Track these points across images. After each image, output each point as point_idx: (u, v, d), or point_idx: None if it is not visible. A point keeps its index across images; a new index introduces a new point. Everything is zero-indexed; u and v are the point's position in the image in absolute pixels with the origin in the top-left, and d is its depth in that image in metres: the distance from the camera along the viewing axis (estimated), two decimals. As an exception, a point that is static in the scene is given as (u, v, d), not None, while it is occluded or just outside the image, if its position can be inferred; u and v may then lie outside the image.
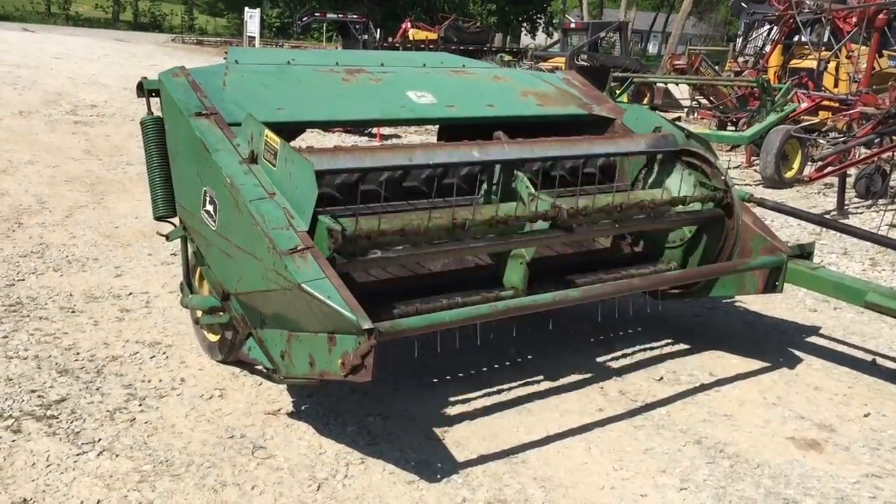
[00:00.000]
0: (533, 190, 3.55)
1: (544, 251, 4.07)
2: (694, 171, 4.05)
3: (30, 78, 14.29)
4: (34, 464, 2.91)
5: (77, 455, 2.98)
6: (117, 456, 3.00)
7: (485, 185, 3.74)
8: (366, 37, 28.23)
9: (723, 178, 3.99)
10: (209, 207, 3.23)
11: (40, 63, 17.13)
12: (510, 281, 3.56)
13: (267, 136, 3.12)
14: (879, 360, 4.32)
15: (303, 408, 3.45)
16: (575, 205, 3.52)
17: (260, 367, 3.52)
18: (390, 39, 28.69)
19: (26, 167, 7.80)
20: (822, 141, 9.58)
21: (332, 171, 3.22)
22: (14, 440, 3.05)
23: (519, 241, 3.50)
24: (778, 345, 4.47)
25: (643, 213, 3.84)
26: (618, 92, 11.44)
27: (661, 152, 4.08)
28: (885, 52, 13.24)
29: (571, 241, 3.88)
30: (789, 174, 9.45)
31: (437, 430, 3.33)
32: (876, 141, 8.79)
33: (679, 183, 4.02)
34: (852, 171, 8.61)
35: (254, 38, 30.06)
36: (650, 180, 4.17)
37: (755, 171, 10.18)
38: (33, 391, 3.44)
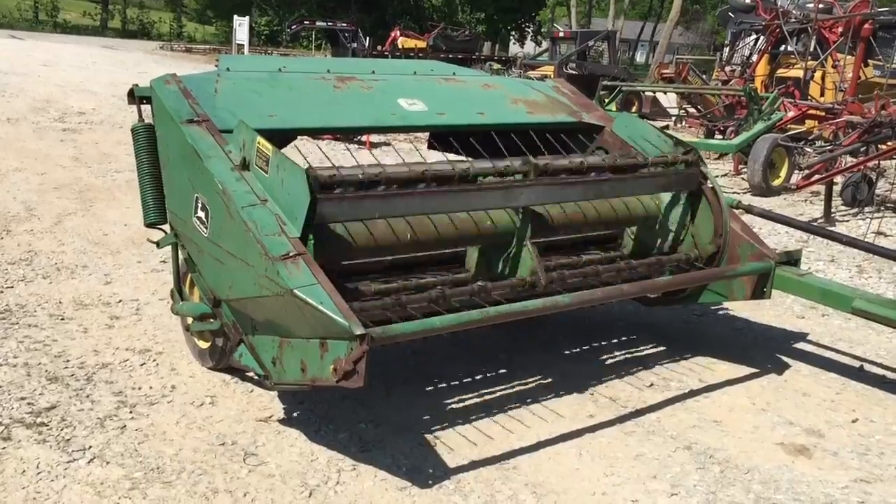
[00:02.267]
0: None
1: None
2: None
3: (17, 85, 14.22)
4: (24, 471, 2.90)
5: (67, 462, 2.97)
6: (108, 463, 2.99)
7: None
8: (355, 45, 28.27)
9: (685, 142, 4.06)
10: (201, 214, 3.23)
11: (28, 70, 17.05)
12: (523, 272, 3.60)
13: (259, 142, 3.13)
14: (867, 367, 4.35)
15: (294, 414, 3.45)
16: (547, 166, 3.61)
17: (251, 374, 3.53)
18: (379, 48, 28.73)
19: (14, 174, 7.77)
20: (808, 149, 9.65)
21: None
22: (4, 448, 3.04)
23: (491, 189, 3.47)
24: (766, 351, 4.50)
25: (607, 167, 3.86)
26: (606, 100, 11.50)
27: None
28: (871, 62, 13.36)
29: (544, 198, 3.80)
30: (776, 182, 9.52)
31: (429, 437, 3.33)
32: (862, 149, 8.87)
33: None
34: (839, 179, 8.68)
35: (243, 45, 30.02)
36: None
37: (743, 178, 10.25)
38: (23, 398, 3.42)
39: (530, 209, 3.64)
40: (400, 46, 27.37)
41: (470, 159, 3.75)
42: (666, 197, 4.19)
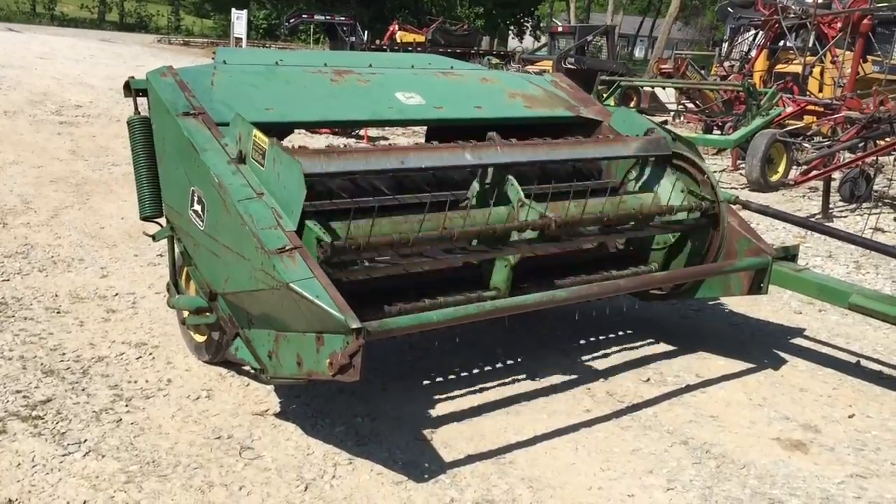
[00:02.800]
0: (523, 196, 3.55)
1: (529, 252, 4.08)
2: (682, 175, 4.07)
3: (14, 78, 14.17)
4: (20, 464, 2.89)
5: (63, 456, 2.96)
6: (103, 456, 2.98)
7: (476, 188, 3.74)
8: (353, 39, 28.23)
9: (711, 186, 4.00)
10: (197, 207, 3.22)
11: (25, 63, 17.00)
12: (495, 283, 3.55)
13: (255, 135, 3.12)
14: (864, 362, 4.35)
15: (290, 408, 3.44)
16: (564, 214, 3.53)
17: (247, 368, 3.52)
18: (378, 41, 28.70)
19: (11, 167, 7.75)
20: (806, 145, 9.65)
21: (323, 175, 3.20)
22: (-1, 441, 3.04)
23: (506, 250, 3.49)
24: (763, 346, 4.50)
25: (630, 220, 3.86)
26: (605, 95, 11.49)
27: (652, 156, 4.10)
28: (870, 57, 13.35)
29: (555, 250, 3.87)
30: (775, 178, 9.52)
31: (425, 431, 3.33)
32: (860, 145, 8.86)
33: (667, 188, 4.04)
34: (837, 174, 8.68)
35: (241, 39, 29.97)
36: (639, 183, 4.19)
37: (741, 174, 10.24)
38: (18, 392, 3.41)
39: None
40: (398, 40, 27.35)
41: (482, 162, 3.64)
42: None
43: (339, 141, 11.12)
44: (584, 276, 3.85)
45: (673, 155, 4.09)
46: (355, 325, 2.61)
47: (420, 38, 27.67)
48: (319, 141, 10.68)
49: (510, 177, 3.62)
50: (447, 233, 3.25)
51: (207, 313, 3.45)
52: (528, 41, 50.70)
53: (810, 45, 13.73)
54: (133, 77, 3.73)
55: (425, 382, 3.80)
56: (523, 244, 3.52)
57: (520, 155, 3.68)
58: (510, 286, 3.52)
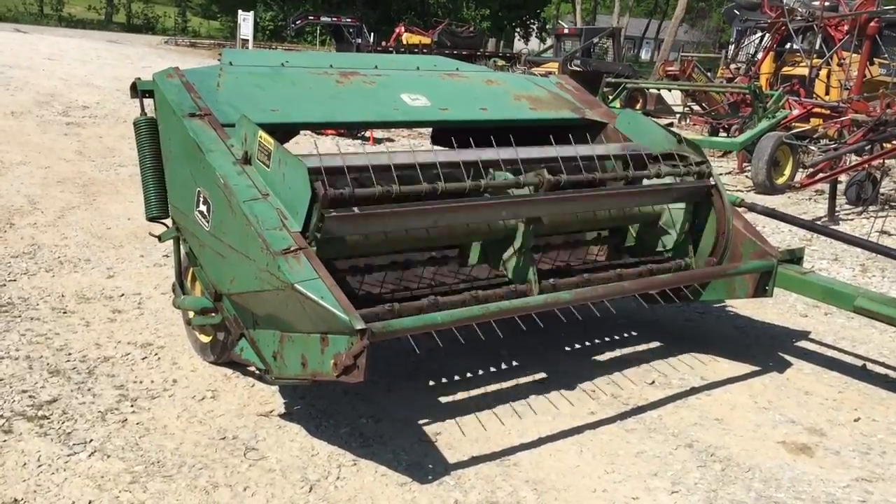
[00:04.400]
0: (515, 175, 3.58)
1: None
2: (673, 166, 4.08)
3: (22, 79, 14.23)
4: (25, 464, 2.90)
5: (68, 455, 2.97)
6: (109, 457, 2.99)
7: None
8: (359, 40, 28.23)
9: (701, 154, 4.02)
10: (202, 208, 3.23)
11: (33, 64, 17.07)
12: (517, 278, 3.56)
13: (261, 136, 3.13)
14: (869, 366, 4.34)
15: (295, 409, 3.45)
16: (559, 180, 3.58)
17: (252, 368, 3.52)
18: (384, 43, 28.71)
19: (18, 168, 7.78)
20: (813, 148, 9.63)
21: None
22: (5, 440, 3.04)
23: (501, 205, 3.47)
24: (769, 349, 4.49)
25: (619, 181, 3.84)
26: (611, 97, 11.48)
27: (634, 156, 4.10)
28: (877, 60, 13.31)
29: (553, 212, 3.80)
30: (781, 180, 9.51)
31: (430, 432, 3.33)
32: (867, 148, 8.83)
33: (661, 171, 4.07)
34: (843, 177, 8.66)
35: (247, 40, 30.01)
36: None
37: (747, 176, 10.23)
38: (24, 391, 3.43)
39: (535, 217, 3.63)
40: (404, 42, 27.37)
41: (478, 152, 3.70)
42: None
43: (345, 142, 11.14)
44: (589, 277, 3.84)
45: (658, 157, 4.09)
46: (360, 325, 2.62)
47: (426, 40, 27.68)
48: (325, 142, 10.69)
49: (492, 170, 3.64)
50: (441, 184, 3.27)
51: (213, 314, 3.46)
52: (534, 43, 50.71)
53: (817, 47, 13.70)
54: (139, 78, 3.74)
55: (430, 384, 3.80)
56: (520, 202, 3.50)
57: (561, 208, 3.68)
58: (537, 278, 3.52)
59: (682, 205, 4.09)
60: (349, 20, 29.90)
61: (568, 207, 3.72)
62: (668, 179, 3.98)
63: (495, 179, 3.52)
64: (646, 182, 3.95)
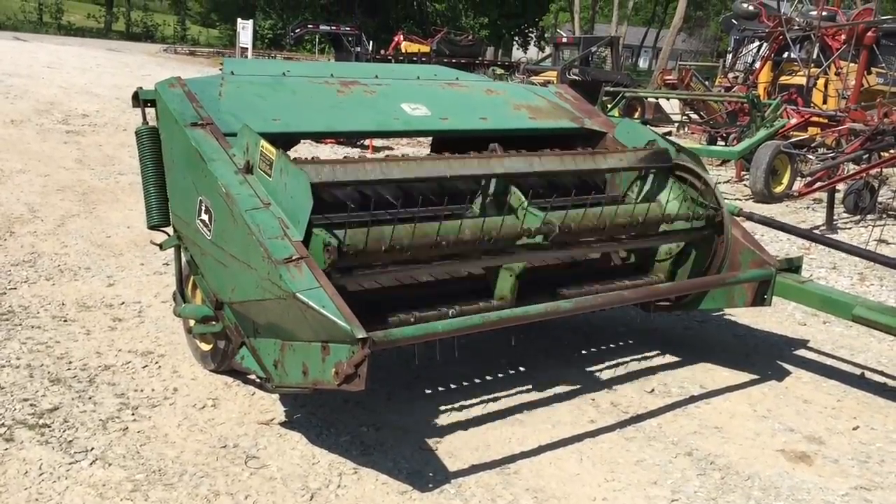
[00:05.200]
0: (525, 204, 3.57)
1: (535, 261, 4.10)
2: (685, 185, 4.09)
3: (21, 87, 14.26)
4: (27, 472, 2.91)
5: (70, 464, 2.98)
6: (110, 465, 3.00)
7: (479, 198, 3.76)
8: (358, 49, 28.30)
9: (714, 195, 4.02)
10: (204, 217, 3.25)
11: (32, 72, 17.10)
12: (500, 292, 3.58)
13: (262, 146, 3.14)
14: (868, 374, 4.35)
15: (296, 418, 3.45)
16: (564, 220, 3.57)
17: (253, 377, 3.53)
18: (383, 52, 28.77)
19: (18, 176, 7.79)
20: (811, 156, 9.66)
21: (329, 184, 3.22)
22: (6, 449, 3.05)
23: (509, 257, 3.52)
24: (768, 358, 4.50)
25: (631, 228, 3.87)
26: (609, 106, 11.52)
27: (653, 167, 4.12)
28: (874, 70, 13.37)
29: (559, 258, 3.91)
30: (779, 189, 9.53)
31: (430, 441, 3.34)
32: (864, 157, 8.87)
33: (669, 198, 4.06)
34: (841, 186, 8.69)
35: (246, 49, 30.08)
36: (641, 194, 4.20)
37: (745, 185, 10.26)
38: (25, 400, 3.43)
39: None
40: (403, 51, 27.42)
41: (487, 172, 3.67)
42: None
43: (344, 151, 11.17)
44: (588, 286, 3.87)
45: (675, 166, 4.11)
46: (361, 334, 2.63)
47: (425, 49, 27.74)
48: (324, 150, 10.72)
49: (512, 186, 3.64)
50: (447, 239, 3.27)
51: (213, 322, 3.47)
52: (533, 52, 50.84)
53: (814, 56, 13.75)
54: (142, 88, 3.76)
55: (430, 392, 3.81)
56: (526, 251, 3.53)
57: (523, 165, 3.70)
58: (516, 296, 3.54)
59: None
60: (348, 29, 29.98)
61: (575, 253, 3.83)
62: (678, 224, 4.00)
63: (504, 228, 3.49)
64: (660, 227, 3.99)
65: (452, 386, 3.88)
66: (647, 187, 4.18)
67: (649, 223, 3.89)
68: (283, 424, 3.39)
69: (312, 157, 3.40)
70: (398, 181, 3.45)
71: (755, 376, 4.21)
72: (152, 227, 3.74)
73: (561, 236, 3.54)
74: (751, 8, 15.92)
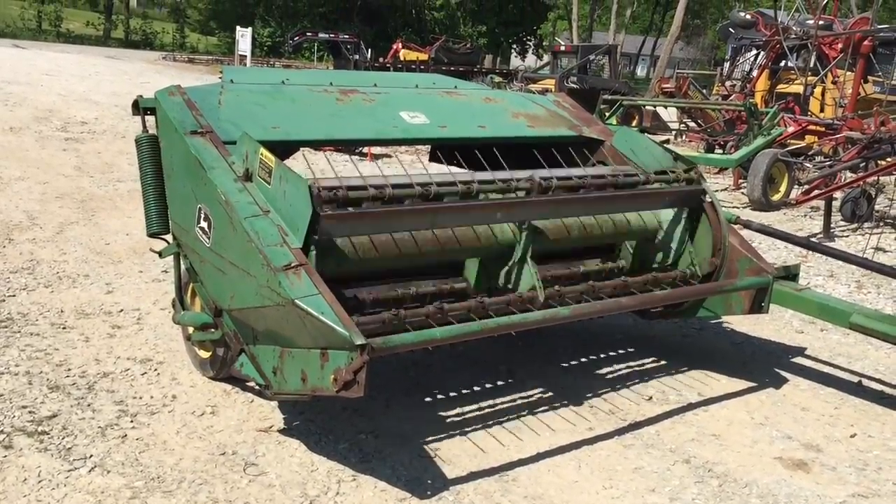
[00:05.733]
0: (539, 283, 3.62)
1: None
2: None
3: (20, 94, 14.28)
4: (26, 479, 2.91)
5: (69, 471, 2.98)
6: (109, 472, 3.00)
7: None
8: (357, 57, 28.37)
9: (686, 159, 4.11)
10: (203, 224, 3.26)
11: (31, 79, 17.13)
12: (526, 286, 3.61)
13: (262, 154, 3.16)
14: (865, 382, 4.36)
15: (295, 425, 3.46)
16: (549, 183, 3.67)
17: (252, 384, 3.54)
18: (381, 60, 28.86)
19: (17, 183, 7.80)
20: (808, 165, 9.69)
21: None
22: (5, 456, 3.05)
23: (498, 202, 3.51)
24: (765, 365, 4.51)
25: (608, 184, 3.89)
26: (607, 114, 11.55)
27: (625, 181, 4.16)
28: (871, 78, 13.42)
29: (547, 214, 3.84)
30: (776, 197, 9.56)
31: (429, 448, 3.34)
32: (861, 165, 8.90)
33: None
34: (838, 194, 8.71)
35: (245, 56, 30.14)
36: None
37: (743, 193, 10.28)
38: (24, 407, 3.44)
39: (532, 224, 3.66)
40: (402, 59, 27.50)
41: (472, 172, 3.79)
42: (666, 213, 4.21)
43: (342, 158, 11.18)
44: (584, 294, 3.87)
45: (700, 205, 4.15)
46: (360, 341, 2.64)
47: (423, 57, 27.83)
48: (322, 158, 10.72)
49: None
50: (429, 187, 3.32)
51: (212, 329, 3.48)
52: (531, 60, 50.98)
53: (811, 65, 13.82)
54: (141, 96, 3.77)
55: (428, 399, 3.82)
56: (513, 204, 3.55)
57: (553, 212, 3.75)
58: (542, 284, 3.57)
59: (682, 223, 4.12)
60: (347, 36, 30.06)
61: (561, 211, 3.77)
62: (657, 185, 4.03)
63: (488, 184, 3.59)
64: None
65: (451, 393, 3.89)
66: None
67: (625, 178, 3.98)
68: (281, 432, 3.39)
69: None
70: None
71: (753, 384, 4.21)
72: (152, 235, 3.74)
73: (544, 184, 3.66)
74: (748, 17, 16.02)
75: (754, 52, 15.65)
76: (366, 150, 11.62)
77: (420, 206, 3.30)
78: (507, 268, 3.67)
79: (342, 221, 3.09)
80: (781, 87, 14.25)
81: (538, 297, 3.54)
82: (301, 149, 3.97)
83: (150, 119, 3.73)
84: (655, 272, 4.10)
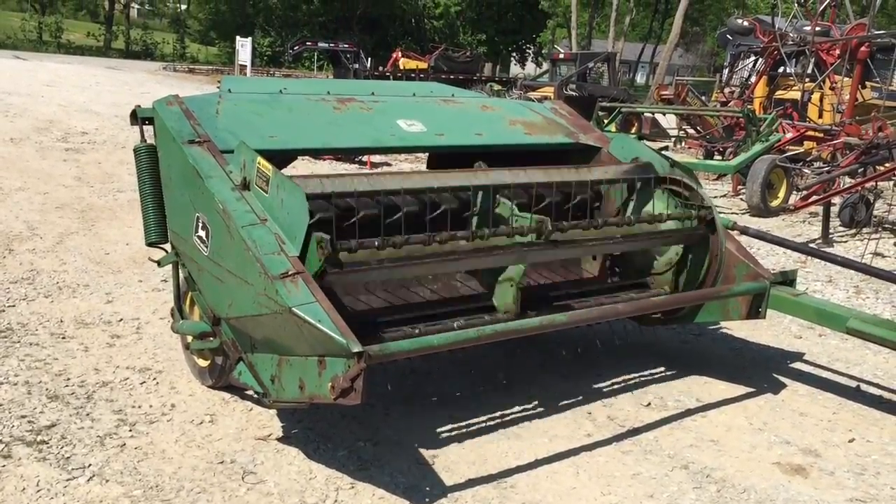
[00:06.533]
0: (517, 210, 3.60)
1: (532, 276, 4.13)
2: (674, 196, 4.13)
3: (21, 105, 14.32)
4: (24, 489, 2.92)
5: (67, 480, 2.99)
6: (107, 481, 3.00)
7: (475, 219, 3.78)
8: (357, 66, 28.48)
9: (703, 197, 4.06)
10: (201, 233, 3.27)
11: (32, 90, 17.18)
12: (503, 303, 3.59)
13: (259, 163, 3.17)
14: (863, 387, 4.37)
15: (293, 433, 3.46)
16: (556, 221, 3.62)
17: (250, 392, 3.54)
18: (381, 68, 28.95)
19: (17, 194, 7.82)
20: (806, 170, 9.71)
21: (321, 196, 3.26)
22: (4, 465, 3.06)
23: (502, 253, 3.52)
24: (764, 371, 4.51)
25: (621, 228, 3.90)
26: (606, 121, 11.57)
27: (639, 179, 4.16)
28: (868, 84, 13.44)
29: (556, 258, 3.88)
30: (775, 203, 9.57)
31: (427, 455, 3.35)
32: (859, 171, 8.91)
33: (660, 205, 4.11)
34: (837, 200, 8.73)
35: (245, 66, 30.23)
36: (632, 207, 4.24)
37: (741, 199, 10.29)
38: (23, 416, 3.44)
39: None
40: (401, 67, 27.58)
41: (474, 184, 3.75)
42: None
43: (342, 167, 11.21)
44: (583, 300, 3.89)
45: (663, 179, 4.14)
46: (357, 348, 2.65)
47: (423, 65, 27.90)
48: (322, 167, 10.75)
49: (500, 198, 3.67)
50: (440, 243, 3.30)
51: (211, 338, 3.49)
52: (530, 67, 51.09)
53: (809, 71, 13.84)
54: (139, 106, 3.79)
55: (427, 407, 3.82)
56: (522, 249, 3.55)
57: (507, 177, 3.74)
58: (518, 307, 3.55)
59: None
60: (346, 46, 30.17)
61: (570, 252, 3.82)
62: (670, 224, 4.03)
63: (497, 229, 3.52)
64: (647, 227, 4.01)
65: (449, 401, 3.89)
66: (635, 201, 4.22)
67: (637, 223, 3.93)
68: (280, 440, 3.40)
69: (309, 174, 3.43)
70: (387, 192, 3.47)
71: (751, 389, 4.22)
72: (150, 244, 3.76)
73: (552, 231, 3.56)
74: (746, 23, 16.05)
75: (752, 58, 15.68)
76: (365, 158, 11.64)
77: (426, 260, 3.32)
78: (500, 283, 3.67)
79: (346, 276, 3.13)
80: (780, 94, 14.27)
81: (546, 225, 3.50)
82: (300, 157, 3.99)
83: (149, 129, 3.75)
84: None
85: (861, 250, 7.40)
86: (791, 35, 14.40)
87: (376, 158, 11.85)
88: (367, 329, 3.14)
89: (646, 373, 4.37)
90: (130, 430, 3.40)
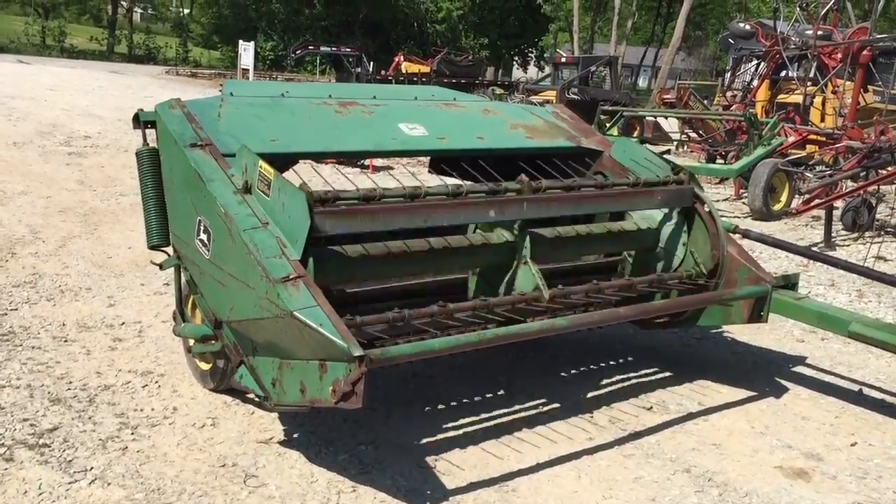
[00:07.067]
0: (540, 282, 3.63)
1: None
2: (690, 229, 4.20)
3: (24, 109, 14.34)
4: (26, 492, 2.92)
5: (69, 483, 2.99)
6: (109, 484, 3.01)
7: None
8: (359, 70, 28.53)
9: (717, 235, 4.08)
10: (203, 236, 3.28)
11: (35, 94, 17.20)
12: (523, 287, 3.62)
13: (261, 166, 3.18)
14: (866, 391, 4.36)
15: (294, 436, 3.46)
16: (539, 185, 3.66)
17: (251, 395, 3.55)
18: (383, 72, 28.99)
19: (20, 197, 7.83)
20: (808, 174, 9.71)
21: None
22: (6, 469, 3.06)
23: (491, 202, 3.51)
24: (766, 374, 4.51)
25: (600, 185, 3.93)
26: (608, 125, 11.58)
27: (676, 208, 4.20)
28: (870, 87, 13.45)
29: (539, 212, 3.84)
30: (777, 207, 9.57)
31: (428, 459, 3.35)
32: (862, 174, 8.91)
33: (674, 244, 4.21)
34: (839, 203, 8.72)
35: (248, 70, 30.28)
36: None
37: (744, 203, 10.29)
38: (26, 420, 3.45)
39: (527, 228, 3.68)
40: (404, 71, 27.64)
41: (467, 182, 3.79)
42: (664, 220, 4.23)
43: (345, 170, 11.21)
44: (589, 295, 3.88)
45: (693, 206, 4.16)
46: (358, 352, 2.65)
47: (425, 69, 27.96)
48: (325, 170, 10.75)
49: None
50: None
51: (213, 341, 3.49)
52: (532, 71, 51.12)
53: (811, 75, 13.85)
54: (142, 109, 3.80)
55: (428, 410, 3.82)
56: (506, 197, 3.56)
57: (545, 210, 3.75)
58: (545, 285, 3.56)
59: (680, 232, 4.13)
60: (349, 49, 30.24)
61: (552, 209, 3.78)
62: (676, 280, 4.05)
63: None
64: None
65: (451, 404, 3.89)
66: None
67: (614, 186, 3.99)
68: (281, 443, 3.40)
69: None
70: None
71: (753, 393, 4.21)
72: (152, 247, 3.76)
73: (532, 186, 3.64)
74: (748, 27, 16.08)
75: (755, 62, 15.69)
76: (367, 162, 11.65)
77: (413, 204, 3.32)
78: (508, 275, 3.68)
79: (335, 217, 3.09)
80: (782, 98, 14.28)
81: (543, 296, 3.53)
82: (302, 161, 3.99)
83: (151, 132, 3.75)
84: (660, 273, 4.12)
85: (863, 254, 7.39)
86: (793, 39, 14.41)
87: (378, 162, 11.86)
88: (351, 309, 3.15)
89: (647, 376, 4.37)
90: (132, 434, 3.41)
